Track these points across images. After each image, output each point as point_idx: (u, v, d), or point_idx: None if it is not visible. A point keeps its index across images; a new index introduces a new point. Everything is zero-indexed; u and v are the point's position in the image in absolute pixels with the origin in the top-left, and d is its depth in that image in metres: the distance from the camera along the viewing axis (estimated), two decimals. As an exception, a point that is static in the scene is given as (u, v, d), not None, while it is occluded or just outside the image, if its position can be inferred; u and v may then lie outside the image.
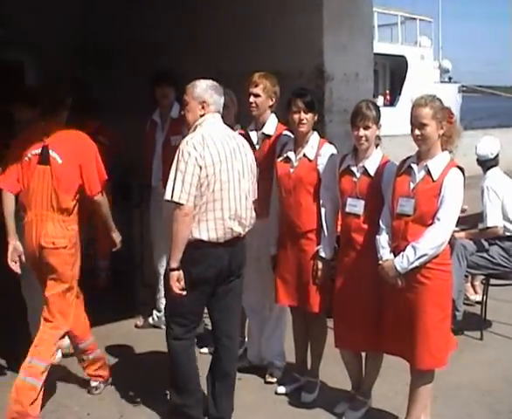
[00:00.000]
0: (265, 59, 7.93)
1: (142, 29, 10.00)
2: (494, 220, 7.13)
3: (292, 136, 5.75)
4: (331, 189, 5.45)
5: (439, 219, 4.69)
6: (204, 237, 4.91)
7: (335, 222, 5.51)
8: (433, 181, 4.75)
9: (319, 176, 5.48)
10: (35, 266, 5.57)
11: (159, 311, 7.31)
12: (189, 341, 5.25)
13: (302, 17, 8.03)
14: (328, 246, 5.46)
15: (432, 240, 4.70)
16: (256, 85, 5.86)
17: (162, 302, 6.77)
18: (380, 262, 4.92)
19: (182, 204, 4.78)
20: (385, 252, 4.91)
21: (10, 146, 5.72)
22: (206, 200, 4.88)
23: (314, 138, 5.62)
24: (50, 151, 5.47)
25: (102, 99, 8.07)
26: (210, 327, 6.97)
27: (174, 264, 4.88)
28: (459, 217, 7.17)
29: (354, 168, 5.23)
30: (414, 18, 32.25)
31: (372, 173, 5.15)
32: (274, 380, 6.08)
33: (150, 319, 7.52)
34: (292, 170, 5.57)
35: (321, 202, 5.46)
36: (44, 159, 5.47)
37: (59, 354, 6.48)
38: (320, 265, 5.47)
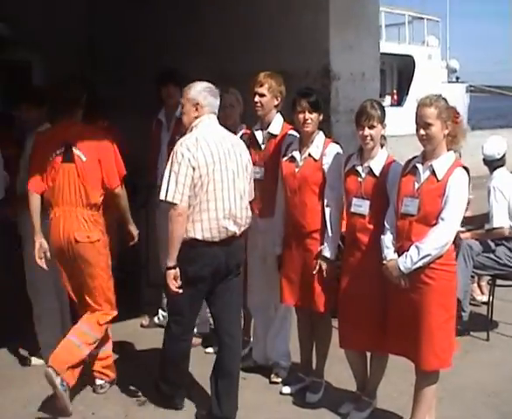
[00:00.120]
0: (271, 59, 7.93)
1: (148, 29, 10.00)
2: (500, 220, 7.10)
3: (297, 136, 5.74)
4: (336, 189, 5.44)
5: (443, 219, 4.68)
6: (199, 237, 5.03)
7: (339, 222, 5.49)
8: (438, 180, 4.74)
9: (324, 176, 5.48)
10: (63, 261, 5.69)
11: (164, 310, 7.31)
12: (185, 343, 5.46)
13: (308, 17, 8.01)
14: (331, 246, 5.45)
15: (435, 240, 4.68)
16: (261, 85, 5.86)
17: (168, 302, 6.79)
18: (384, 262, 4.91)
19: (176, 204, 4.93)
20: (389, 252, 4.90)
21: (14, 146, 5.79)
22: (200, 200, 5.01)
23: (320, 137, 5.61)
24: (73, 149, 5.60)
25: (108, 98, 8.08)
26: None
27: (170, 263, 5.04)
28: (465, 217, 7.22)
29: (359, 168, 5.22)
30: (422, 18, 32.19)
31: (377, 173, 5.14)
32: (279, 380, 6.07)
33: (156, 319, 7.52)
34: (297, 170, 5.56)
35: (325, 201, 5.46)
36: (68, 157, 5.60)
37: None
38: (323, 265, 5.46)
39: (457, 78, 33.56)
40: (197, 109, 5.19)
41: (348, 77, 8.06)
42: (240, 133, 6.34)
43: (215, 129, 5.24)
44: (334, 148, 5.56)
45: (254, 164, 5.98)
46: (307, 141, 5.60)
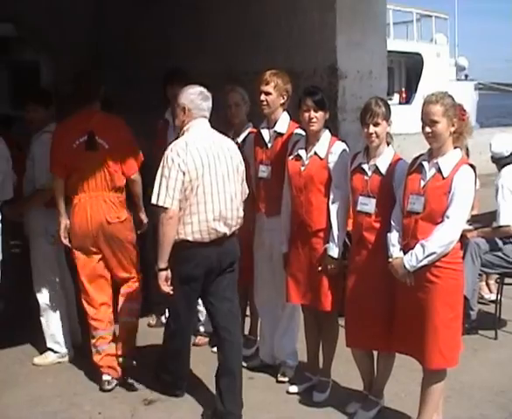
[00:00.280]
0: (278, 58, 7.95)
1: (155, 29, 10.03)
2: (507, 219, 7.05)
3: (304, 134, 5.73)
4: (342, 188, 5.42)
5: (448, 217, 4.65)
6: (190, 238, 5.17)
7: (345, 220, 5.48)
8: (443, 178, 4.71)
9: (330, 174, 5.46)
10: (88, 242, 5.90)
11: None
12: (185, 339, 5.65)
13: (315, 16, 8.02)
14: (337, 245, 5.43)
15: (441, 238, 4.66)
16: (267, 83, 5.85)
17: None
18: (390, 260, 4.89)
19: (167, 208, 5.08)
20: (395, 250, 4.88)
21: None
22: (190, 203, 5.15)
23: (326, 136, 5.59)
24: (96, 137, 5.85)
25: (114, 98, 8.09)
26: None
27: (162, 265, 5.21)
28: (472, 215, 7.19)
29: (365, 167, 5.20)
30: (430, 15, 32.08)
31: (383, 171, 5.12)
32: (286, 379, 6.05)
33: (163, 318, 7.51)
34: (303, 168, 5.55)
35: (331, 200, 5.44)
36: (92, 145, 5.85)
37: (72, 353, 6.52)
38: (329, 264, 5.45)
39: (466, 75, 33.41)
40: (184, 113, 5.33)
41: (355, 75, 8.06)
42: (247, 132, 6.35)
43: (205, 133, 5.35)
44: (340, 147, 5.54)
45: (261, 163, 6.00)
46: (313, 140, 5.58)
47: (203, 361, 6.27)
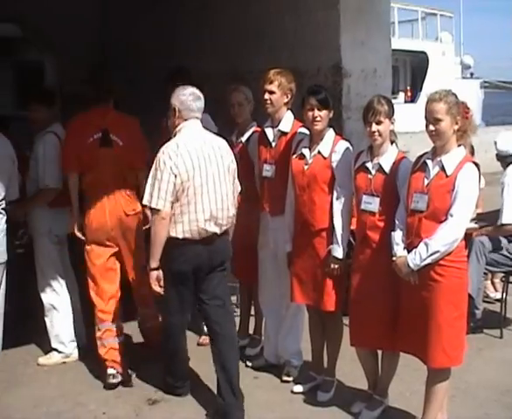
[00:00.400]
0: (282, 57, 7.95)
1: (159, 29, 10.03)
2: (510, 217, 7.01)
3: (308, 133, 5.71)
4: (345, 187, 5.40)
5: (452, 215, 4.63)
6: (180, 236, 5.26)
7: (348, 220, 5.46)
8: (447, 176, 4.69)
9: (333, 174, 5.45)
10: (103, 236, 6.06)
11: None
12: (180, 336, 5.73)
13: (319, 14, 8.00)
14: (340, 245, 5.42)
15: (444, 237, 4.64)
16: (271, 82, 5.85)
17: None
18: (393, 258, 4.88)
19: (159, 210, 5.18)
20: (399, 249, 4.86)
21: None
22: (181, 203, 5.23)
23: (330, 135, 5.58)
24: (110, 135, 6.00)
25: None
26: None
27: (153, 264, 5.30)
28: (477, 214, 7.17)
29: (369, 165, 5.18)
30: (435, 14, 32.01)
31: (387, 170, 5.10)
32: (291, 379, 6.04)
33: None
34: (306, 167, 5.54)
35: (334, 199, 5.43)
36: (106, 142, 6.00)
37: (76, 353, 6.52)
38: (332, 264, 5.44)
39: (471, 74, 33.31)
40: (175, 114, 5.40)
41: (359, 74, 8.03)
42: (251, 131, 6.34)
43: (196, 134, 5.41)
44: (343, 146, 5.52)
45: (265, 162, 6.00)
46: (316, 139, 5.57)
47: (207, 361, 6.21)
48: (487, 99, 33.52)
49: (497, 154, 7.43)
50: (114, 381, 5.97)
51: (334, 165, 5.44)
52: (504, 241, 7.18)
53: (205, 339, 6.86)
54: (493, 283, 8.38)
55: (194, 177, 5.23)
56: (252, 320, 6.79)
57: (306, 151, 5.58)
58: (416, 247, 4.74)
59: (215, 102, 6.64)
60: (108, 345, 6.03)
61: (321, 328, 5.82)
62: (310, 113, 5.47)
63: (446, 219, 4.66)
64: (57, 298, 6.42)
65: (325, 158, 5.48)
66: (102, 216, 6.01)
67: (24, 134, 6.65)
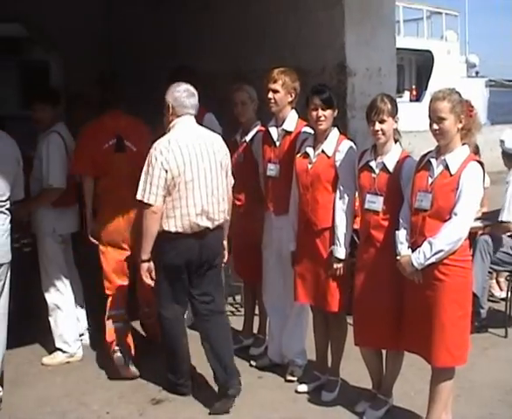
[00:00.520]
0: (287, 56, 7.93)
1: (163, 29, 10.03)
2: (509, 215, 6.98)
3: (312, 132, 5.70)
4: (348, 186, 5.39)
5: (456, 214, 4.62)
6: (172, 230, 5.36)
7: (351, 220, 5.45)
8: (451, 175, 4.67)
9: (336, 173, 5.44)
10: (119, 238, 6.19)
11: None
12: (177, 330, 5.73)
13: (323, 13, 7.99)
14: (341, 246, 5.40)
15: (448, 235, 4.63)
16: (275, 81, 5.84)
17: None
18: (398, 257, 4.87)
19: (150, 204, 5.28)
20: (403, 248, 4.85)
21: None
22: (173, 198, 5.33)
23: (334, 134, 5.57)
24: (124, 140, 6.14)
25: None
26: (231, 326, 7.06)
27: (144, 257, 5.41)
28: (482, 213, 7.14)
29: (373, 164, 5.17)
30: (440, 12, 31.95)
31: (391, 169, 5.08)
32: (295, 378, 6.03)
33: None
34: (310, 166, 5.53)
35: (337, 198, 5.42)
36: (121, 147, 6.14)
37: (80, 353, 6.52)
38: (335, 265, 5.43)
39: (476, 72, 33.24)
40: (169, 111, 5.49)
41: (364, 72, 8.02)
42: (255, 131, 6.33)
43: (189, 130, 5.48)
44: (347, 145, 5.51)
45: (269, 161, 5.99)
46: (321, 138, 5.56)
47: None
48: (492, 97, 33.41)
49: (504, 152, 7.36)
50: (119, 355, 6.10)
51: (337, 164, 5.43)
52: (507, 239, 7.15)
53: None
54: (498, 282, 8.35)
55: (185, 172, 5.32)
56: (256, 320, 6.77)
57: (310, 150, 5.57)
58: (420, 246, 4.73)
59: (219, 102, 6.66)
60: (117, 329, 6.17)
61: (325, 328, 5.81)
62: (314, 113, 5.46)
63: (450, 218, 4.65)
64: (61, 298, 6.42)
65: (329, 157, 5.47)
66: (117, 218, 6.12)
67: (24, 134, 6.65)
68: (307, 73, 7.58)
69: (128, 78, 9.50)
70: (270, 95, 5.87)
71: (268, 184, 6.05)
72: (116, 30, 11.15)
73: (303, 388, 5.86)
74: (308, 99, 5.50)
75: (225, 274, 7.19)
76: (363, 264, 5.25)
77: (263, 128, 6.25)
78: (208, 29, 9.38)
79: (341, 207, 5.40)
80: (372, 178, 5.15)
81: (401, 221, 4.94)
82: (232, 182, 5.79)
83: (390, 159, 5.11)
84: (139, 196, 5.33)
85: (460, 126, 4.71)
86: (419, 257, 4.70)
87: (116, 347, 6.10)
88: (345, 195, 5.39)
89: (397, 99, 5.38)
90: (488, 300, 7.48)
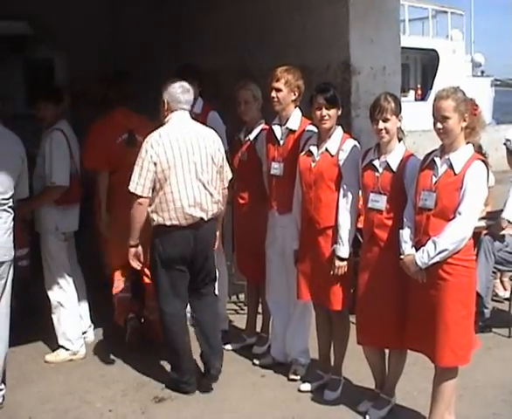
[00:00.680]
0: (292, 54, 7.92)
1: (168, 27, 10.03)
2: (509, 214, 6.96)
3: (316, 131, 5.69)
4: (352, 185, 5.38)
5: (460, 213, 4.60)
6: (167, 223, 5.53)
7: (354, 219, 5.43)
8: (455, 174, 4.66)
9: (340, 172, 5.42)
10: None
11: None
12: (179, 325, 5.78)
13: (328, 11, 7.97)
14: (344, 245, 5.39)
15: (452, 235, 4.61)
16: (278, 80, 5.84)
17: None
18: (401, 256, 4.85)
19: (137, 195, 5.46)
20: (407, 247, 4.83)
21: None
22: (165, 191, 5.49)
23: (338, 133, 5.56)
24: (136, 136, 6.32)
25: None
26: (233, 324, 7.06)
27: (132, 242, 5.62)
28: (487, 212, 7.11)
29: (376, 163, 5.16)
30: (445, 12, 31.90)
31: (394, 168, 5.07)
32: (298, 377, 6.01)
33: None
34: (313, 165, 5.52)
35: (340, 197, 5.40)
36: (132, 142, 6.33)
37: (83, 350, 6.52)
38: (337, 264, 5.41)
39: (482, 72, 33.19)
40: (164, 106, 5.68)
41: (368, 71, 8.00)
42: (259, 129, 6.32)
43: (182, 125, 5.65)
44: (351, 144, 5.50)
45: (273, 160, 5.99)
46: (324, 137, 5.55)
47: (214, 359, 6.25)
48: (497, 97, 33.38)
49: (509, 151, 7.29)
50: (132, 323, 6.53)
51: (341, 163, 5.42)
52: (511, 239, 7.13)
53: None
54: (502, 282, 8.32)
55: (176, 165, 5.48)
56: (259, 318, 6.76)
57: (313, 148, 5.56)
58: (424, 245, 4.71)
59: (224, 100, 6.65)
60: (123, 300, 6.58)
61: (328, 326, 5.79)
62: (318, 112, 5.45)
63: (454, 217, 4.63)
64: (64, 296, 6.42)
65: (332, 156, 5.46)
66: (128, 211, 6.08)
67: (31, 132, 6.67)
68: (312, 72, 7.58)
69: (134, 75, 9.53)
70: (273, 94, 5.86)
71: (272, 183, 6.04)
72: (121, 28, 11.16)
73: (306, 386, 5.85)
74: (312, 98, 5.49)
75: (229, 273, 7.19)
76: (366, 264, 5.24)
77: (267, 127, 6.24)
78: (212, 27, 9.38)
79: (344, 206, 5.38)
80: (376, 177, 5.14)
81: (405, 220, 4.92)
82: (229, 176, 5.93)
83: (394, 158, 5.09)
84: (130, 187, 5.50)
85: (463, 124, 4.70)
86: (423, 257, 4.69)
87: (129, 316, 6.53)
88: (349, 194, 5.38)
89: (403, 99, 5.38)
90: (492, 300, 7.44)
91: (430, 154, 4.92)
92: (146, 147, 5.49)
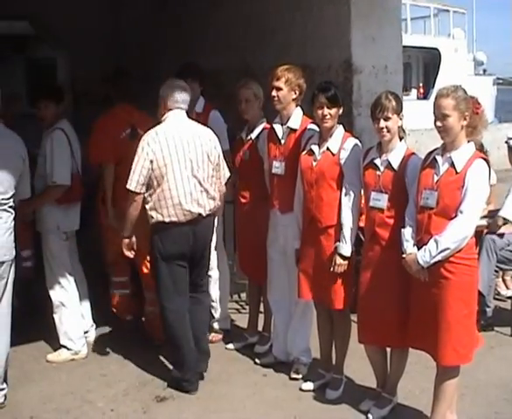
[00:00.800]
0: (294, 53, 7.93)
1: (170, 27, 10.03)
2: (506, 212, 6.94)
3: (317, 130, 5.69)
4: (353, 184, 5.37)
5: (462, 212, 4.59)
6: (166, 220, 5.60)
7: (356, 217, 5.43)
8: (457, 173, 4.65)
9: (341, 171, 5.42)
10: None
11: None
12: (182, 322, 5.79)
13: (330, 10, 7.98)
14: (346, 242, 5.38)
15: (454, 234, 4.60)
16: (278, 79, 5.84)
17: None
18: (403, 255, 4.84)
19: (132, 191, 5.58)
20: (409, 245, 4.83)
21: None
22: (163, 188, 5.57)
23: (339, 132, 5.55)
24: (138, 130, 6.35)
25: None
26: (235, 323, 7.06)
27: (126, 234, 5.77)
28: (489, 211, 7.10)
29: (377, 162, 5.15)
30: (447, 10, 31.89)
31: (396, 166, 5.06)
32: (300, 376, 6.00)
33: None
34: (315, 164, 5.51)
35: (342, 196, 5.40)
36: (135, 136, 6.30)
37: (85, 350, 6.52)
38: (338, 262, 5.41)
39: (484, 70, 33.20)
40: (161, 105, 5.78)
41: (370, 70, 8.00)
42: (261, 128, 6.32)
43: (178, 123, 5.74)
44: (352, 143, 5.50)
45: (275, 159, 5.98)
46: (326, 136, 5.55)
47: (216, 359, 6.26)
48: (500, 95, 33.38)
49: (511, 149, 7.27)
50: (129, 323, 6.76)
51: (342, 162, 5.42)
52: (511, 237, 7.11)
53: (215, 336, 6.86)
54: (504, 280, 8.31)
55: (172, 162, 5.57)
56: (261, 317, 6.75)
57: (315, 147, 5.55)
58: (426, 244, 4.71)
59: (226, 98, 6.64)
60: (121, 295, 6.74)
61: (329, 325, 5.79)
62: (320, 111, 5.45)
63: (456, 216, 4.62)
64: (65, 295, 6.41)
65: (334, 155, 5.46)
66: None
67: (34, 132, 6.68)
68: (314, 71, 7.58)
69: (135, 75, 9.53)
70: (273, 92, 5.87)
71: (273, 182, 6.04)
72: (123, 27, 11.16)
73: (308, 385, 5.84)
74: (314, 97, 5.49)
75: (230, 272, 7.20)
76: (368, 262, 5.23)
77: (268, 126, 6.23)
78: (215, 26, 9.38)
79: (346, 204, 5.38)
80: (377, 176, 5.13)
81: (407, 219, 4.92)
82: (227, 174, 6.00)
83: (395, 156, 5.09)
84: (127, 184, 5.60)
85: (464, 123, 4.68)
86: (425, 255, 4.68)
87: (126, 316, 6.73)
88: (350, 193, 5.37)
89: (405, 97, 5.37)
90: (494, 299, 7.44)
91: (431, 152, 4.91)
92: (143, 145, 5.59)
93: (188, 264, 5.77)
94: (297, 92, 5.87)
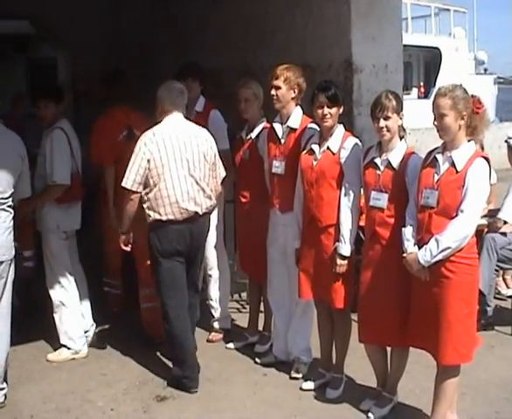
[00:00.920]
0: (294, 52, 7.93)
1: (171, 26, 10.03)
2: (505, 214, 6.94)
3: (317, 129, 5.69)
4: (354, 183, 5.37)
5: (462, 211, 4.59)
6: (164, 218, 5.66)
7: (356, 217, 5.42)
8: (457, 172, 4.64)
9: (341, 170, 5.41)
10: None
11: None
12: (182, 321, 5.81)
13: (330, 10, 7.98)
14: (346, 242, 5.38)
15: (455, 233, 4.59)
16: (277, 78, 5.84)
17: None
18: (404, 255, 4.84)
19: (128, 190, 5.64)
20: (409, 245, 4.82)
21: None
22: (159, 187, 5.63)
23: (339, 131, 5.55)
24: (134, 131, 6.46)
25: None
26: (235, 322, 7.06)
27: (123, 229, 5.87)
28: (489, 210, 7.10)
29: (377, 161, 5.14)
30: (448, 9, 31.88)
31: (396, 166, 5.06)
32: (300, 375, 6.00)
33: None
34: (315, 163, 5.51)
35: (342, 195, 5.40)
36: (131, 137, 6.37)
37: (85, 349, 6.52)
38: (338, 261, 5.40)
39: (485, 69, 33.19)
40: (159, 106, 5.84)
41: (370, 69, 8.00)
42: (261, 128, 6.31)
43: (176, 124, 5.80)
44: (352, 142, 5.49)
45: (275, 158, 5.97)
46: (326, 135, 5.54)
47: (216, 358, 6.27)
48: (501, 95, 33.34)
49: (511, 148, 7.27)
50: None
51: (342, 161, 5.41)
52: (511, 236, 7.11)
53: (215, 335, 6.86)
54: (504, 279, 8.31)
55: (169, 162, 5.63)
56: (261, 317, 6.75)
57: (315, 147, 5.55)
58: (426, 243, 4.70)
59: (226, 98, 6.64)
60: (109, 292, 7.10)
61: (330, 325, 5.78)
62: (320, 111, 5.45)
63: (456, 215, 4.62)
64: (65, 295, 6.41)
65: (334, 154, 5.45)
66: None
67: (35, 132, 6.71)
68: (314, 70, 7.59)
69: (135, 75, 9.53)
70: (273, 91, 5.87)
71: (274, 181, 6.03)
72: (123, 27, 11.17)
73: (308, 385, 5.83)
74: (314, 96, 5.48)
75: (231, 271, 7.20)
76: (368, 262, 5.23)
77: (268, 125, 6.23)
78: (215, 25, 9.38)
79: (346, 204, 5.37)
80: (377, 175, 5.12)
81: (407, 218, 4.91)
82: (223, 174, 6.03)
83: (395, 156, 5.08)
84: (122, 182, 5.66)
85: (461, 122, 4.67)
86: (426, 255, 4.68)
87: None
88: (350, 192, 5.37)
89: (405, 96, 5.36)
90: (495, 298, 7.44)
91: (432, 151, 4.91)
92: (140, 145, 5.66)
93: (185, 261, 5.82)
94: (296, 91, 5.87)
